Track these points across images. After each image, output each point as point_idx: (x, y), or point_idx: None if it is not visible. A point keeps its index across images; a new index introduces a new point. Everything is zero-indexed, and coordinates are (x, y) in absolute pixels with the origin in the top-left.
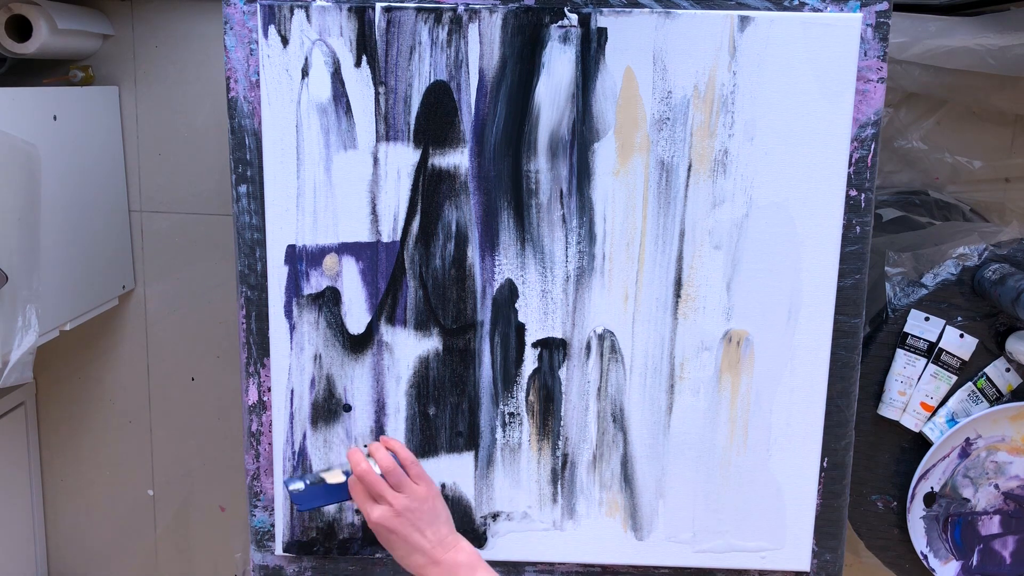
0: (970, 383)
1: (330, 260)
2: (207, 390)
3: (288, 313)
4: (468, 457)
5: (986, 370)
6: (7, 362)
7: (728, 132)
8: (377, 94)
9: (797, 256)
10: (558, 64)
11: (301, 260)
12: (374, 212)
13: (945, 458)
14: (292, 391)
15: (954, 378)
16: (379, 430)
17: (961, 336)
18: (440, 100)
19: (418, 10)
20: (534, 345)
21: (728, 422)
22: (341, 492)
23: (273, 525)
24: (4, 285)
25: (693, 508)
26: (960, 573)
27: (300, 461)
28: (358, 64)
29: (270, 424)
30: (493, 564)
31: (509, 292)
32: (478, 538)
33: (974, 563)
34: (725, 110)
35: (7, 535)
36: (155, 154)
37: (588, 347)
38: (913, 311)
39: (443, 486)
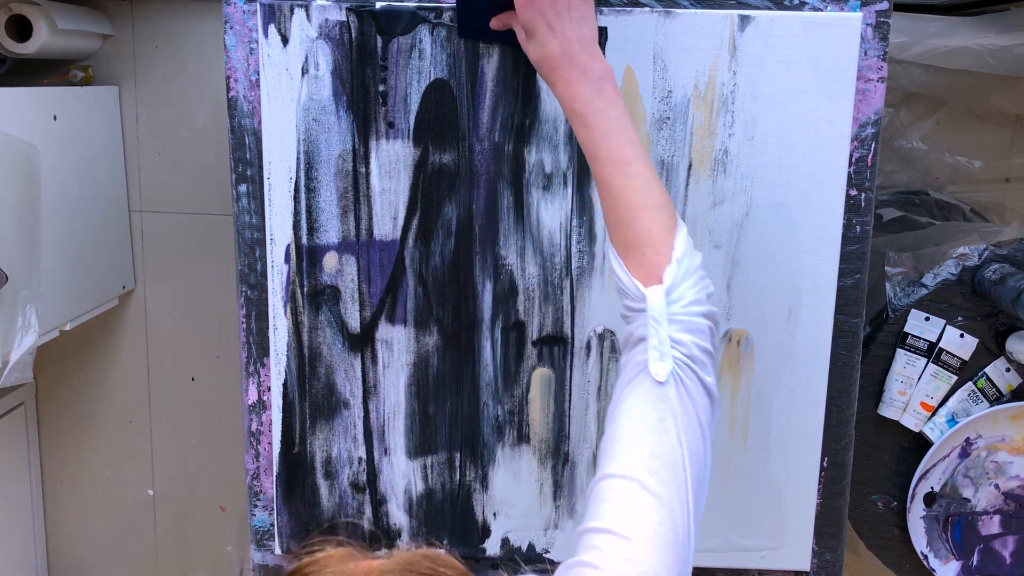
0: (970, 383)
1: (330, 259)
2: (207, 390)
3: (288, 312)
4: (468, 456)
5: (986, 370)
6: (7, 362)
7: (728, 131)
8: (377, 93)
9: (797, 256)
10: None
11: (301, 259)
12: (374, 211)
13: (945, 458)
14: (292, 390)
15: (954, 378)
16: (379, 428)
17: (961, 336)
18: (440, 98)
19: (418, 8)
20: (534, 344)
21: (728, 422)
22: None
23: (273, 525)
24: (4, 285)
25: None
26: (960, 573)
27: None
28: (358, 63)
29: (270, 424)
30: (493, 563)
31: (509, 290)
32: (479, 536)
33: (974, 563)
34: (725, 109)
35: (7, 535)
36: (155, 154)
37: (588, 346)
38: (913, 311)
39: (443, 485)
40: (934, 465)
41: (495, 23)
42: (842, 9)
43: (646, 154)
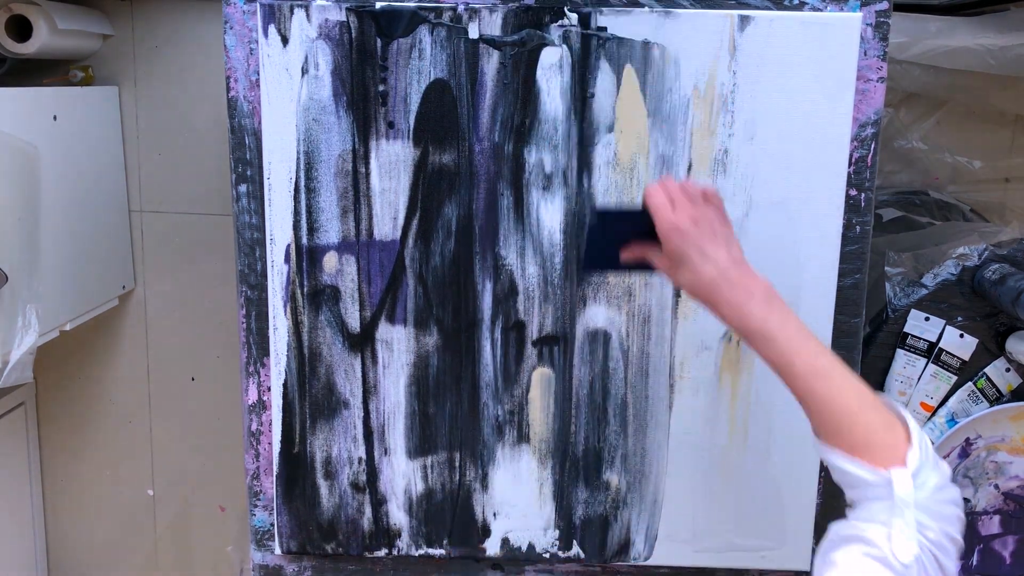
0: (970, 383)
1: (330, 259)
2: (207, 390)
3: (288, 312)
4: (468, 456)
5: (986, 370)
6: (7, 362)
7: (728, 131)
8: (377, 93)
9: (797, 256)
10: (558, 64)
11: (301, 259)
12: (374, 211)
13: (945, 458)
14: (292, 390)
15: (954, 378)
16: (379, 428)
17: (961, 336)
18: (440, 98)
19: (418, 9)
20: (534, 343)
21: (728, 422)
22: (637, 220)
23: (273, 525)
24: (4, 285)
25: (693, 508)
26: (960, 573)
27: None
28: (358, 63)
29: (270, 424)
30: (493, 563)
31: (509, 290)
32: (479, 536)
33: (974, 563)
34: (725, 109)
35: (7, 535)
36: (155, 154)
37: (588, 346)
38: (913, 311)
39: (443, 485)
40: None
41: (627, 256)
42: (842, 9)
43: (834, 354)
